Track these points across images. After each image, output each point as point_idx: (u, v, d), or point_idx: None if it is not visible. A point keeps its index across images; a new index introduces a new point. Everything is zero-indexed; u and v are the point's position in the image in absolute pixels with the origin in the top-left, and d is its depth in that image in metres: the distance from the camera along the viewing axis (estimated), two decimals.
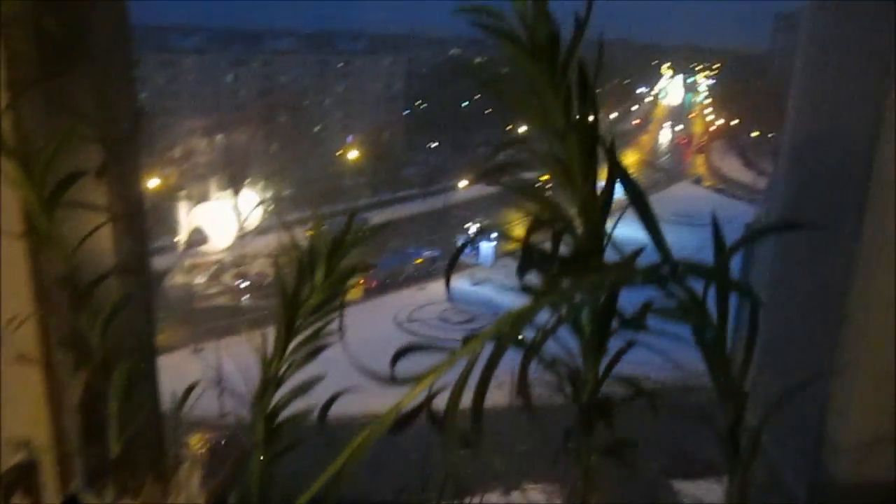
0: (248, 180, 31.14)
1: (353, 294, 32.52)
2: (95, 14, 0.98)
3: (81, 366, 0.92)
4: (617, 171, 0.64)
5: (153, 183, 34.03)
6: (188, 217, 27.94)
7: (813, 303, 1.30)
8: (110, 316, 0.89)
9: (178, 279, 27.92)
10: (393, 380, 0.66)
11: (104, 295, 0.91)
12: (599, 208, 0.65)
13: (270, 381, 0.88)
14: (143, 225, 1.03)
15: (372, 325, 27.47)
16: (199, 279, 28.46)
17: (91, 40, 0.97)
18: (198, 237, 28.09)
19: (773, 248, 1.44)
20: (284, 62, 50.05)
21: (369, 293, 32.05)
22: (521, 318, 0.61)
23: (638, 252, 0.72)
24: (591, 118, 0.64)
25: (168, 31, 48.94)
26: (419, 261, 34.10)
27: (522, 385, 0.73)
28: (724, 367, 0.69)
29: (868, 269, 1.14)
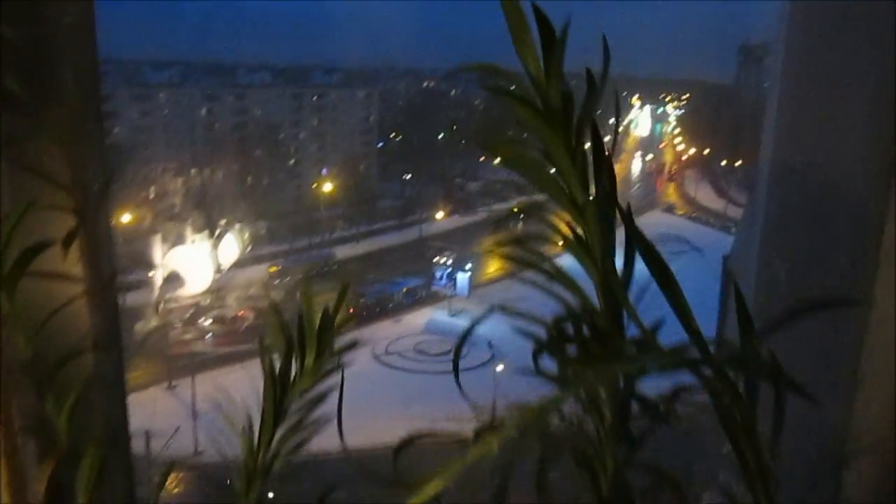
0: (223, 220, 30.63)
1: None
2: (62, 67, 0.91)
3: (47, 455, 0.83)
4: (639, 244, 0.59)
5: (127, 217, 33.57)
6: (164, 261, 27.15)
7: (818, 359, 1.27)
8: (78, 399, 0.80)
9: (153, 324, 27.11)
10: (397, 483, 0.58)
11: (72, 375, 0.83)
12: (622, 286, 0.59)
13: (256, 474, 0.79)
14: (115, 297, 0.95)
15: (350, 359, 27.24)
16: (176, 324, 27.62)
17: (58, 95, 0.90)
18: (174, 281, 27.23)
19: (755, 283, 1.41)
20: (259, 96, 50.11)
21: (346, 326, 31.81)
22: (545, 410, 0.56)
23: (658, 325, 0.66)
24: (609, 188, 0.62)
25: (141, 65, 48.89)
26: (406, 290, 33.95)
27: (542, 483, 0.66)
28: (753, 450, 0.64)
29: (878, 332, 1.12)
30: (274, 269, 34.28)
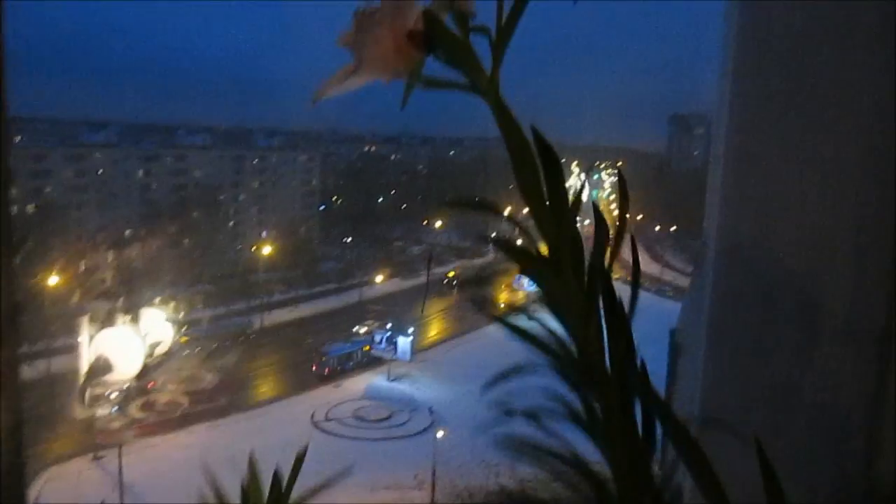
0: (157, 300, 29.02)
1: (267, 391, 31.44)
2: None
3: None
4: (653, 407, 0.55)
5: (54, 281, 32.16)
6: (91, 344, 25.13)
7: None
8: None
9: (79, 414, 24.94)
10: None
11: None
12: (643, 450, 0.56)
13: None
14: (15, 373, 0.91)
15: (289, 425, 26.49)
16: (102, 411, 25.48)
17: None
18: (102, 366, 25.22)
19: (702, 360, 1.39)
20: (199, 157, 49.66)
21: (284, 391, 31.06)
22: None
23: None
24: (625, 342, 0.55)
25: (77, 125, 48.05)
26: (367, 348, 33.22)
27: None
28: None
29: None
30: (185, 339, 32.36)
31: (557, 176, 0.56)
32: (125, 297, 29.63)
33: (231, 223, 48.72)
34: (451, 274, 44.81)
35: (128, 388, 25.70)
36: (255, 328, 37.51)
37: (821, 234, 1.14)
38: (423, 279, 46.60)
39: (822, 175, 1.12)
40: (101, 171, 44.60)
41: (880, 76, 1.04)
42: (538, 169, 0.55)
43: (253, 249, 46.10)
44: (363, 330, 35.03)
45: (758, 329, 1.21)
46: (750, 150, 1.25)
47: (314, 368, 32.47)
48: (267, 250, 45.37)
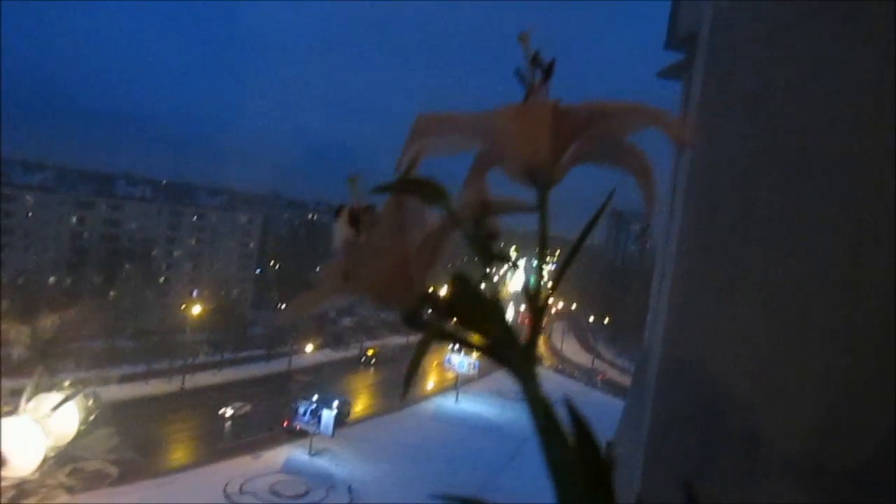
0: (67, 383, 26.27)
1: (181, 458, 29.96)
2: None
3: None
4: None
5: None
6: None
7: None
8: None
9: None
10: None
11: None
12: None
13: None
14: None
15: (200, 496, 25.25)
16: None
17: None
18: None
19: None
20: (136, 209, 48.62)
21: (199, 459, 29.68)
22: None
23: None
24: None
25: (12, 164, 46.63)
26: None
27: None
28: None
29: None
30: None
31: (601, 473, 0.45)
32: (35, 377, 27.27)
33: (162, 279, 47.42)
34: (370, 352, 44.35)
35: (21, 484, 22.99)
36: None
37: (767, 363, 1.12)
38: (352, 352, 45.95)
39: (768, 301, 1.11)
40: (30, 213, 43.15)
41: (833, 205, 1.08)
42: (568, 446, 0.45)
43: (182, 308, 44.80)
44: (315, 395, 33.98)
45: (697, 455, 1.18)
46: (699, 270, 1.25)
47: (285, 424, 31.80)
48: (196, 310, 44.15)
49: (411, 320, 0.46)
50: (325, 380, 39.37)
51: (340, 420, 32.68)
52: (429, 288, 0.46)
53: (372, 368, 43.40)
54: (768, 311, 1.13)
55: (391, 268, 0.45)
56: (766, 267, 1.14)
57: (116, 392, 32.12)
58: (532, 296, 0.48)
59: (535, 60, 0.45)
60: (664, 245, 1.55)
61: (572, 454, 0.44)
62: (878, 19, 0.99)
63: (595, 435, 0.45)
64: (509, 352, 0.46)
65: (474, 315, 0.46)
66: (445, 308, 0.46)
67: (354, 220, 0.46)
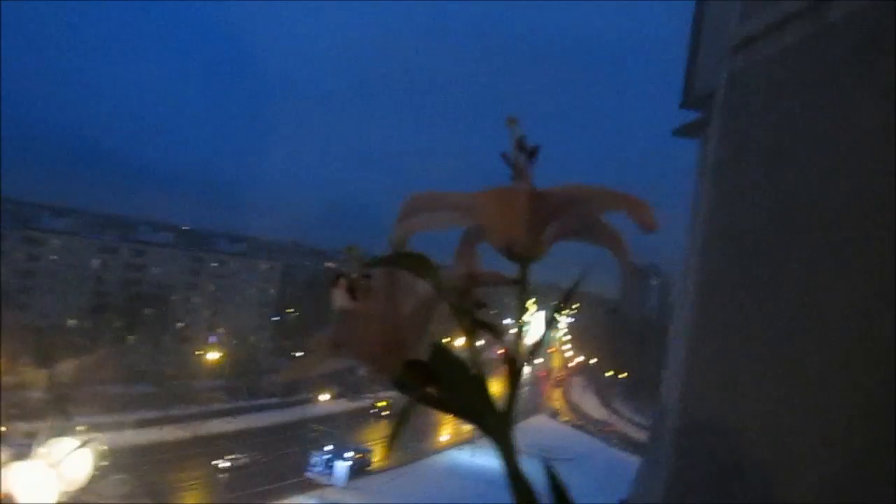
0: (82, 428, 26.20)
1: None
2: None
3: None
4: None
5: None
6: None
7: None
8: None
9: None
10: None
11: None
12: None
13: None
14: None
15: None
16: None
17: None
18: None
19: None
20: (157, 254, 49.14)
21: None
22: None
23: None
24: None
25: (39, 209, 47.57)
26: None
27: None
28: None
29: None
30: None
31: None
32: (50, 420, 27.36)
33: (181, 324, 47.62)
34: (382, 404, 43.51)
35: None
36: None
37: (785, 423, 1.10)
38: (368, 402, 45.57)
39: (785, 361, 1.11)
40: (53, 257, 43.78)
41: (847, 265, 1.08)
42: None
43: (199, 354, 44.86)
44: (329, 446, 33.69)
45: None
46: (715, 328, 1.25)
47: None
48: (214, 356, 44.18)
49: (401, 385, 0.49)
50: (340, 430, 38.98)
51: (362, 469, 32.73)
52: (419, 355, 0.49)
53: (383, 421, 42.84)
54: (786, 371, 1.12)
55: (382, 334, 0.48)
56: (782, 326, 1.14)
57: (131, 437, 32.02)
58: (510, 358, 0.49)
59: (520, 145, 0.49)
60: (681, 301, 1.55)
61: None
62: (888, 84, 1.01)
63: (559, 479, 0.48)
64: (487, 418, 0.47)
65: (453, 382, 0.48)
66: (427, 375, 0.48)
67: (350, 289, 0.49)
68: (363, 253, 0.50)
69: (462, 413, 0.49)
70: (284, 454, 34.54)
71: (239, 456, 32.78)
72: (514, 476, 0.47)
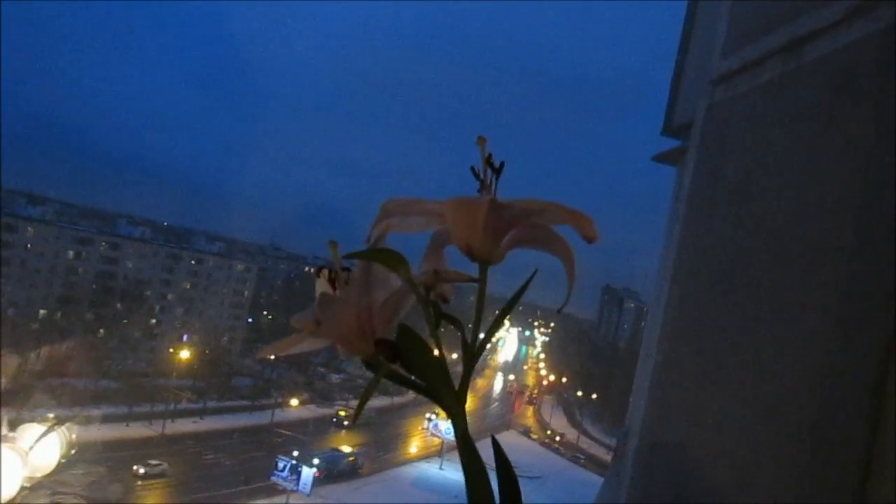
0: (51, 415, 25.77)
1: None
2: None
3: None
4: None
5: None
6: None
7: None
8: None
9: None
10: None
11: None
12: None
13: None
14: None
15: None
16: None
17: None
18: None
19: None
20: (134, 248, 48.65)
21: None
22: None
23: None
24: None
25: (15, 196, 46.88)
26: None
27: None
28: None
29: None
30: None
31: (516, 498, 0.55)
32: (18, 404, 26.92)
33: (153, 321, 47.11)
34: (343, 412, 42.73)
35: None
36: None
37: (743, 449, 1.12)
38: (336, 409, 45.24)
39: (746, 388, 1.13)
40: (28, 245, 43.18)
41: (812, 297, 1.10)
42: (491, 490, 0.54)
43: (170, 352, 44.37)
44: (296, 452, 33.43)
45: None
46: (681, 354, 1.28)
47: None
48: (185, 355, 43.73)
49: (369, 364, 0.56)
50: (308, 436, 38.68)
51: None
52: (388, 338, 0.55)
53: (343, 430, 41.97)
54: (746, 398, 1.15)
55: (357, 319, 0.55)
56: (746, 354, 1.16)
57: (95, 433, 31.52)
58: (468, 347, 0.55)
59: (488, 162, 0.54)
60: (650, 325, 1.58)
61: (485, 476, 0.54)
62: (858, 127, 1.04)
63: (511, 467, 0.55)
64: (444, 394, 0.54)
65: (417, 360, 0.54)
66: (394, 352, 0.54)
67: (331, 280, 0.56)
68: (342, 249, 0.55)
69: (422, 389, 0.54)
70: (251, 457, 34.20)
71: (158, 462, 31.95)
72: (464, 448, 0.53)
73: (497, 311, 0.58)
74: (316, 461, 31.69)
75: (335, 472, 33.52)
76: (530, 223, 0.55)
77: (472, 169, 0.55)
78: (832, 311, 1.07)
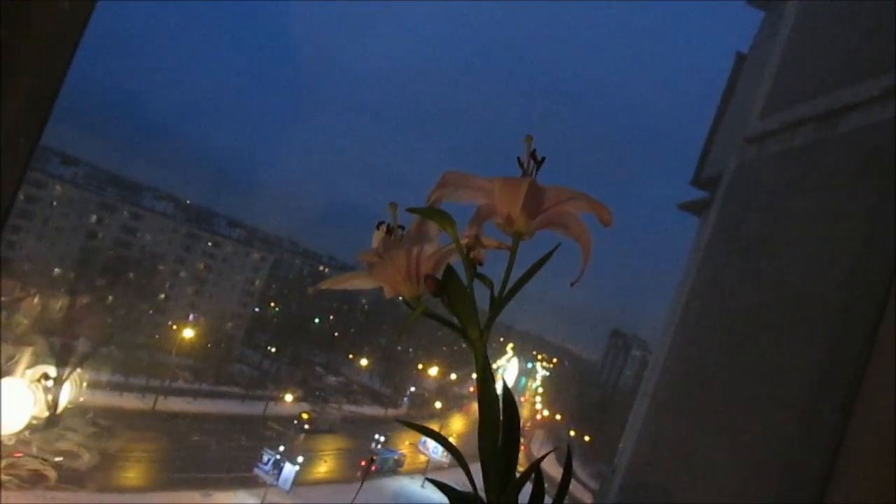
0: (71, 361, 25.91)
1: (133, 479, 29.22)
2: None
3: None
4: None
5: None
6: None
7: None
8: None
9: None
10: None
11: None
12: None
13: None
14: None
15: None
16: None
17: None
18: None
19: None
20: (155, 222, 49.06)
21: (149, 485, 28.94)
22: None
23: None
24: None
25: (49, 153, 47.46)
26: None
27: None
28: None
29: None
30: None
31: (515, 433, 0.64)
32: (36, 347, 27.26)
33: (162, 296, 47.38)
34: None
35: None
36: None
37: (726, 495, 1.13)
38: (329, 410, 45.07)
39: (731, 448, 1.15)
40: (54, 203, 43.71)
41: (812, 358, 1.13)
42: (499, 428, 0.64)
43: (174, 328, 44.57)
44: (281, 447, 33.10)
45: None
46: (674, 400, 1.31)
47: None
48: (188, 333, 43.90)
49: (409, 304, 0.65)
50: (295, 433, 38.59)
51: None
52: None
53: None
54: (734, 448, 1.18)
55: (406, 264, 0.64)
56: (739, 407, 1.19)
57: (88, 397, 31.69)
58: (495, 299, 0.63)
59: (532, 155, 0.63)
60: (650, 371, 1.61)
61: (497, 405, 0.63)
62: (879, 202, 1.07)
63: (514, 398, 0.65)
64: (471, 329, 0.62)
65: (455, 294, 0.63)
66: (437, 286, 0.63)
67: (389, 231, 0.66)
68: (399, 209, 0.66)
69: (452, 325, 0.63)
70: (239, 446, 34.18)
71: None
72: (483, 381, 0.63)
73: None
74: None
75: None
76: (559, 209, 0.63)
77: (519, 160, 0.64)
78: (816, 378, 1.10)
